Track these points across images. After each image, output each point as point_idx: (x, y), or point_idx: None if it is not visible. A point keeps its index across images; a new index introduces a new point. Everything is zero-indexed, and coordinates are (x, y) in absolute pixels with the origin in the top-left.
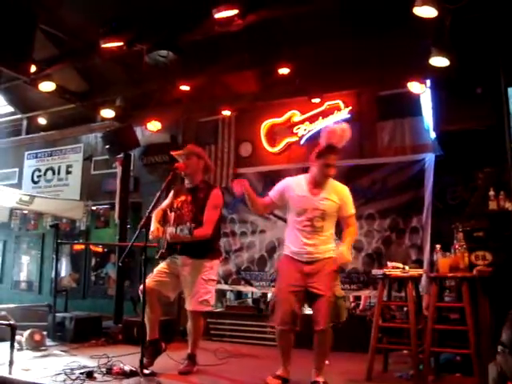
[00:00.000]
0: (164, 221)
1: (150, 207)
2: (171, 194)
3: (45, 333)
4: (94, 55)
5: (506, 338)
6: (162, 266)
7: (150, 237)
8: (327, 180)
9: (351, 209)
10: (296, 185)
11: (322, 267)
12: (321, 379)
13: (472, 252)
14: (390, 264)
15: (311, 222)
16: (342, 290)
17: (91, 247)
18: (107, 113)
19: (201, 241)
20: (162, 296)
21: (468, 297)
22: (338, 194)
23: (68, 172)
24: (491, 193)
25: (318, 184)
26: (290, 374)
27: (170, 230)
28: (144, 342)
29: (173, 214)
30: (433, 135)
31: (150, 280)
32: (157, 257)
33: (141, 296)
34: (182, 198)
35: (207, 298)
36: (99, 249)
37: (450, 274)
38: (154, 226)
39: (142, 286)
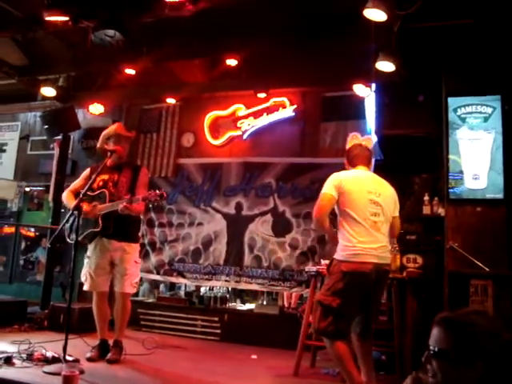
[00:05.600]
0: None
1: (85, 190)
2: (84, 173)
3: None
4: (36, 27)
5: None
6: (95, 259)
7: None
8: None
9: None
10: None
11: None
12: None
13: (404, 254)
14: (323, 262)
15: None
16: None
17: (22, 230)
18: (48, 91)
19: (128, 224)
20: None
21: (397, 297)
22: None
23: (2, 150)
24: (425, 198)
25: None
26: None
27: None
28: (69, 328)
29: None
30: (374, 139)
31: (91, 284)
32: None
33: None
34: (105, 176)
35: (137, 281)
36: (31, 233)
37: None
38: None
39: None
